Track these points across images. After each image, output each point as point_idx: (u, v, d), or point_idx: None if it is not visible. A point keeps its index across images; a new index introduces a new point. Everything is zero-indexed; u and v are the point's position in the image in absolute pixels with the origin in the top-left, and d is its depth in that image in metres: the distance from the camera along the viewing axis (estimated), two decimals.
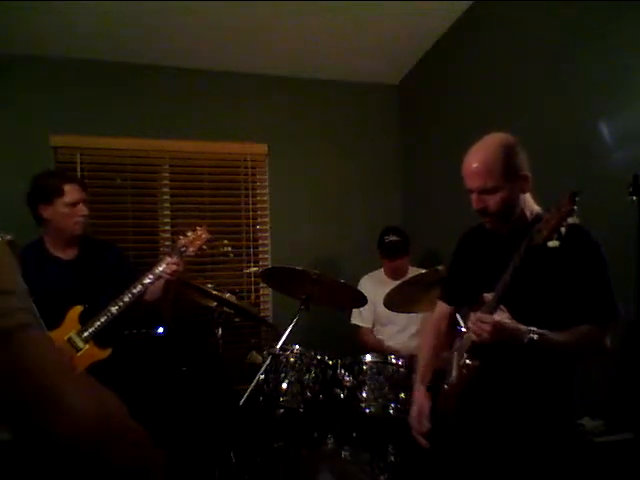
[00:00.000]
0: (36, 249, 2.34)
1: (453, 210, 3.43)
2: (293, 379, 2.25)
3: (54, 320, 2.16)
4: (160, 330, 2.88)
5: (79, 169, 3.51)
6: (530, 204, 1.70)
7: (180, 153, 3.75)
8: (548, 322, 1.53)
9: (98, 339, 2.20)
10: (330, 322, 3.28)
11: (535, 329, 1.50)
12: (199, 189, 3.81)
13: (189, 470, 2.51)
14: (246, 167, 3.90)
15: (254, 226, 3.89)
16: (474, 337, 1.55)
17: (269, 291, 3.82)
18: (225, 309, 2.78)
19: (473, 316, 1.56)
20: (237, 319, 3.17)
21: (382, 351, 3.04)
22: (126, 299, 2.22)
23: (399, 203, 4.10)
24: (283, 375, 2.26)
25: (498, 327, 1.49)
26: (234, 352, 3.18)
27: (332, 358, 2.32)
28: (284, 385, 2.24)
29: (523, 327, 1.50)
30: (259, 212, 3.91)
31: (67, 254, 2.36)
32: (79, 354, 2.16)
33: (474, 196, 1.65)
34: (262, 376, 2.18)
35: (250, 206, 3.89)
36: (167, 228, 3.77)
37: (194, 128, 3.70)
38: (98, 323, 2.19)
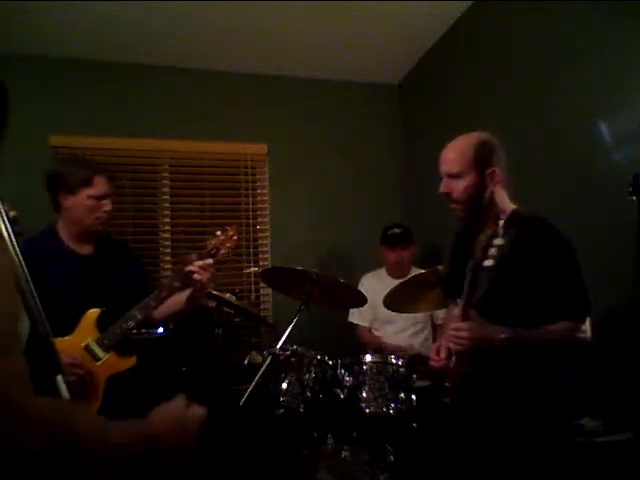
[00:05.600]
0: (49, 239, 2.10)
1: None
2: (293, 379, 2.25)
3: (67, 321, 1.96)
4: (160, 330, 2.87)
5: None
6: (503, 201, 1.74)
7: (180, 153, 3.75)
8: (525, 321, 1.60)
9: (119, 347, 1.99)
10: (330, 322, 3.28)
11: (506, 329, 1.58)
12: (199, 189, 3.80)
13: (189, 470, 2.51)
14: (246, 167, 3.90)
15: (254, 226, 3.89)
16: (454, 347, 1.65)
17: (269, 291, 3.81)
18: (225, 309, 2.78)
19: (450, 326, 1.66)
20: (237, 319, 3.16)
21: (380, 347, 3.06)
22: (152, 304, 2.02)
23: (399, 203, 4.09)
24: (283, 375, 2.25)
25: (474, 334, 1.59)
26: (234, 352, 3.18)
27: (332, 358, 2.32)
28: (284, 385, 2.24)
29: (496, 329, 1.59)
30: (259, 212, 3.91)
31: (83, 249, 2.13)
32: (99, 364, 1.95)
33: (442, 180, 1.77)
34: (262, 376, 2.18)
35: (250, 206, 3.89)
36: (167, 228, 3.77)
37: (194, 128, 3.70)
38: (120, 330, 1.98)
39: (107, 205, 2.10)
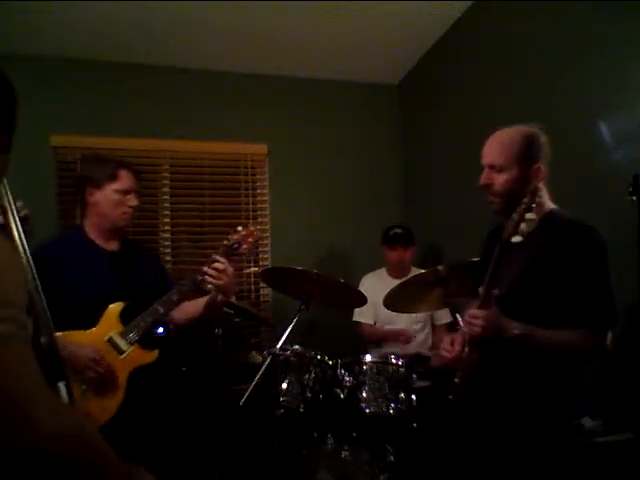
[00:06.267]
0: (77, 237, 2.14)
1: (453, 210, 3.43)
2: (293, 379, 2.25)
3: (92, 314, 1.99)
4: (160, 330, 2.87)
5: (79, 169, 3.51)
6: (543, 198, 1.67)
7: (180, 153, 3.75)
8: (545, 321, 1.56)
9: (142, 340, 2.01)
10: (330, 322, 3.29)
11: (519, 325, 1.54)
12: (199, 189, 3.81)
13: (189, 471, 2.51)
14: (246, 167, 3.90)
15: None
16: (468, 332, 1.62)
17: (269, 291, 3.82)
18: (225, 309, 2.78)
19: (467, 312, 1.62)
20: (237, 319, 3.16)
21: (385, 337, 3.10)
22: (174, 298, 2.03)
23: (399, 203, 4.10)
24: (283, 375, 2.25)
25: (488, 323, 1.55)
26: (234, 352, 3.18)
27: (332, 358, 2.32)
28: (284, 385, 2.24)
29: (510, 323, 1.55)
30: (259, 212, 3.91)
31: (110, 245, 2.15)
32: (122, 357, 1.96)
33: (484, 171, 1.70)
34: (262, 376, 2.18)
35: (250, 206, 3.89)
36: (167, 228, 3.77)
37: (194, 128, 3.70)
38: (143, 323, 1.99)
39: (132, 200, 2.13)
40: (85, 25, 3.14)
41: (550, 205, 1.70)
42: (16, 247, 0.95)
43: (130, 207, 2.13)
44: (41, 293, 0.97)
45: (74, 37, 3.26)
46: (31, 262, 0.98)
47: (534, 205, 1.44)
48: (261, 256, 3.89)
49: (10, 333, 0.70)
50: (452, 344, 1.78)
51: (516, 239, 1.45)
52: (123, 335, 1.98)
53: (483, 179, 1.70)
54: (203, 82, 3.77)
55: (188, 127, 3.68)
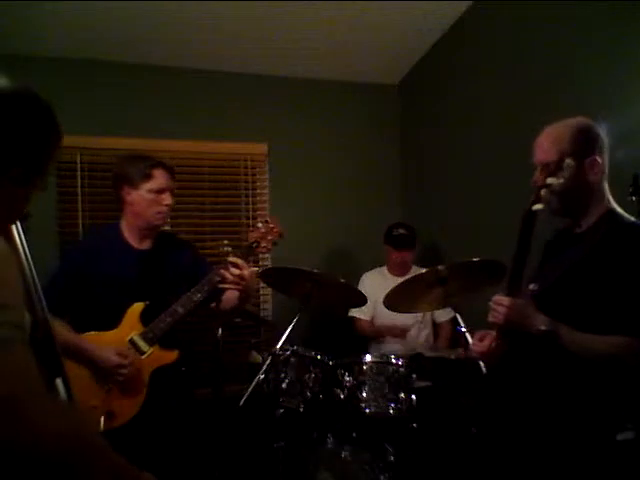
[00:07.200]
0: (111, 233, 2.17)
1: (453, 209, 3.43)
2: (293, 379, 2.24)
3: (116, 314, 2.02)
4: None
5: (79, 169, 3.51)
6: (603, 196, 1.57)
7: (180, 153, 3.75)
8: (582, 324, 1.44)
9: (163, 340, 2.04)
10: (330, 322, 3.28)
11: (549, 321, 1.44)
12: (199, 189, 3.80)
13: (189, 471, 2.51)
14: (246, 167, 3.90)
15: (254, 226, 3.88)
16: (490, 317, 1.54)
17: (269, 291, 3.82)
18: None
19: (494, 298, 1.55)
20: (237, 319, 3.16)
21: (379, 333, 3.12)
22: (195, 298, 2.04)
23: (399, 203, 4.10)
24: (283, 375, 2.25)
25: (512, 311, 1.47)
26: (234, 352, 3.18)
27: (332, 358, 2.32)
28: (284, 385, 2.24)
29: (538, 317, 1.46)
30: (259, 212, 3.91)
31: (141, 244, 2.17)
32: (144, 357, 2.00)
33: (536, 171, 1.58)
34: (262, 376, 2.18)
35: (250, 206, 3.89)
36: (167, 228, 3.76)
37: (194, 128, 3.70)
38: (163, 324, 2.01)
39: (167, 199, 2.14)
40: (85, 24, 3.13)
41: (612, 204, 1.59)
42: (14, 245, 0.95)
43: (165, 206, 2.13)
44: (40, 291, 0.97)
45: (74, 37, 3.26)
46: (29, 259, 0.98)
47: (561, 171, 1.34)
48: (261, 256, 3.89)
49: (7, 337, 0.70)
50: (482, 339, 1.71)
51: (537, 207, 1.37)
52: (143, 336, 2.01)
53: (535, 180, 1.56)
54: (203, 82, 3.76)
55: (188, 127, 3.68)
